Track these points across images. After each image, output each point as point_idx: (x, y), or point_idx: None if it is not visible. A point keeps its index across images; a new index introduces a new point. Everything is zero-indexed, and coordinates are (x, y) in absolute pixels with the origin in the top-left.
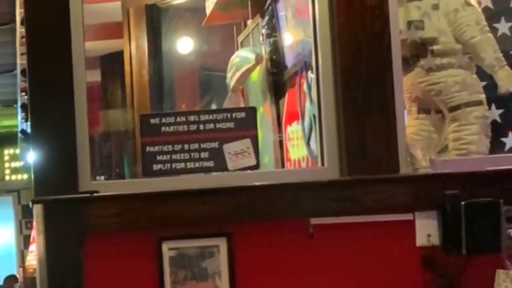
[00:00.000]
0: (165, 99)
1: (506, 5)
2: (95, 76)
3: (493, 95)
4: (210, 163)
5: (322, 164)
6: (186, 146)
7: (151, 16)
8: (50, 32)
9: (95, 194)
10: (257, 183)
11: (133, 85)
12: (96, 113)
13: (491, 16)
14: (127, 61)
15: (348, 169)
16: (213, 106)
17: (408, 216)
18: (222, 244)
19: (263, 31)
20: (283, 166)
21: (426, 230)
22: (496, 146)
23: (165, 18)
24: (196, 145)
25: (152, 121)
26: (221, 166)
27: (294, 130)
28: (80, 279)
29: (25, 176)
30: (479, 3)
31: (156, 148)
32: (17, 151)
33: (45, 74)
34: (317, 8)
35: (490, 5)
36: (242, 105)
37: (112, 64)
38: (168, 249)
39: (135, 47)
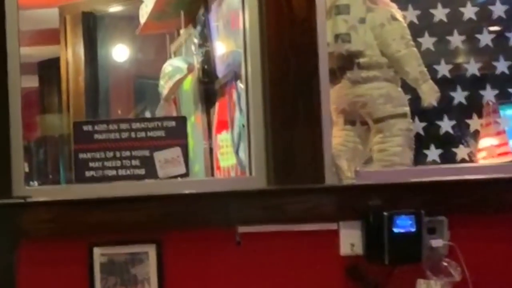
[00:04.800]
0: (101, 106)
1: (430, 20)
2: (32, 81)
3: (416, 108)
4: (141, 171)
5: (250, 173)
6: (118, 154)
7: (87, 23)
8: None
9: (28, 200)
10: (186, 192)
11: (69, 91)
12: (33, 118)
13: (416, 31)
14: (63, 67)
15: (275, 179)
16: (147, 113)
17: (332, 226)
18: (151, 251)
19: (195, 41)
20: (212, 174)
21: (350, 239)
22: (419, 158)
23: (101, 25)
24: (128, 153)
25: (85, 128)
26: (152, 174)
27: (224, 139)
28: (13, 284)
29: None
30: (405, 17)
31: (89, 155)
32: None
33: None
34: (247, 19)
35: (415, 20)
36: (174, 113)
37: (49, 70)
38: (99, 255)
39: (72, 54)
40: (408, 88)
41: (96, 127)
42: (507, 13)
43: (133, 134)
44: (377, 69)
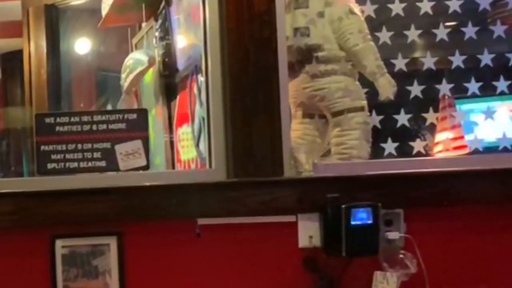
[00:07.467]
0: (63, 98)
1: (388, 15)
2: None
3: (374, 102)
4: (103, 163)
5: (210, 166)
6: (79, 146)
7: (50, 16)
8: None
9: None
10: (147, 184)
11: (32, 84)
12: None
13: (373, 25)
14: (26, 60)
15: (234, 171)
16: (109, 106)
17: (291, 218)
18: (112, 242)
19: (156, 34)
20: (173, 166)
21: (308, 232)
22: (376, 151)
23: (64, 18)
24: (89, 145)
25: (47, 120)
26: (113, 166)
27: (184, 132)
28: None
29: None
30: (362, 12)
31: (51, 147)
32: None
33: None
34: (208, 13)
35: (373, 15)
36: (135, 106)
37: (13, 62)
38: (61, 247)
39: (34, 46)
40: (365, 81)
41: (58, 119)
42: (462, 8)
43: (94, 127)
44: (335, 63)
